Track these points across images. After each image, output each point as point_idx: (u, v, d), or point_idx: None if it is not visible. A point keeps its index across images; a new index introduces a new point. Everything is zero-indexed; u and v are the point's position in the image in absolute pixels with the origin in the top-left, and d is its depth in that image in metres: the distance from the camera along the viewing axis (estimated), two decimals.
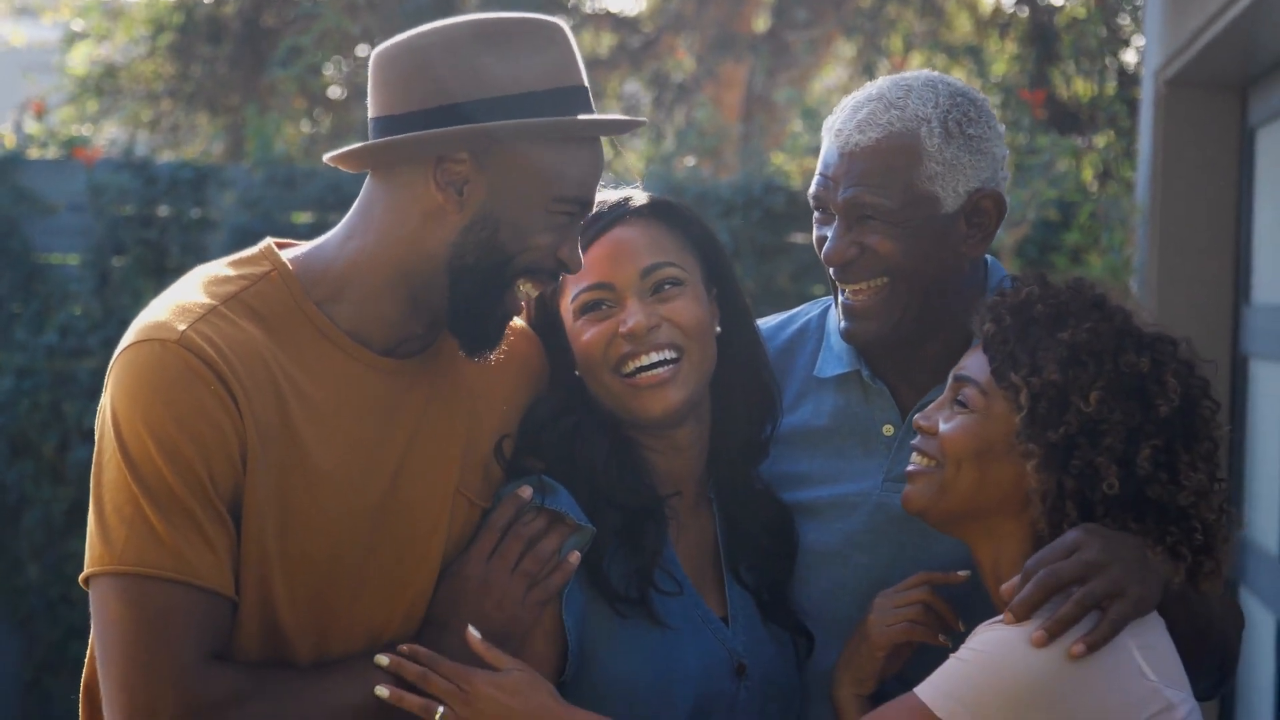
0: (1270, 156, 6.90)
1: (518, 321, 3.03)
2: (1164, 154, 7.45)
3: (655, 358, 2.94)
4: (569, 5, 14.75)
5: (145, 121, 13.73)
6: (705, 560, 3.04)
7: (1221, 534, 2.78)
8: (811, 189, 3.12)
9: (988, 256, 3.22)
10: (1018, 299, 2.82)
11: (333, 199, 8.88)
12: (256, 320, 2.74)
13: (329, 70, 12.75)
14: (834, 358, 3.21)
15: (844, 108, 3.11)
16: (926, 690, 2.62)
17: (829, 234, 3.08)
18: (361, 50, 12.97)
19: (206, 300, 2.74)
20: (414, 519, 2.83)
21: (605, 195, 3.00)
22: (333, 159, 2.83)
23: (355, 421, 2.78)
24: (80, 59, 14.03)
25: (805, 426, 3.19)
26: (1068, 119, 10.50)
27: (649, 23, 15.07)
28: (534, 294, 2.84)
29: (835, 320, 3.19)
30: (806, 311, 3.34)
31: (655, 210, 3.00)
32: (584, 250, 2.91)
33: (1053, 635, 2.59)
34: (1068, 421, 2.71)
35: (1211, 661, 2.97)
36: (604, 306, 2.95)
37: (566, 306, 2.97)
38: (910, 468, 2.86)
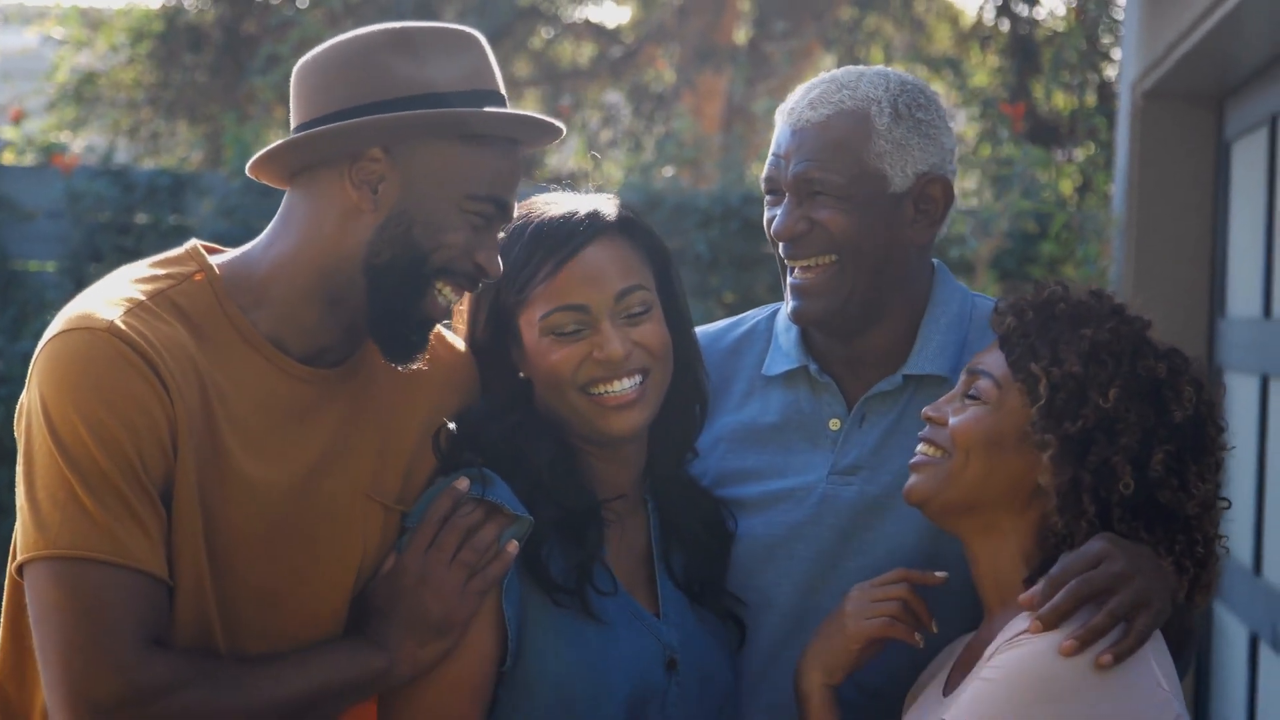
0: (1246, 169, 6.92)
1: (449, 335, 3.05)
2: (1140, 166, 7.48)
3: (626, 384, 2.96)
4: (550, 15, 14.77)
5: (125, 129, 13.72)
6: (636, 561, 3.06)
7: (1216, 550, 2.82)
8: (764, 172, 3.16)
9: (938, 261, 3.26)
10: (1040, 298, 2.86)
11: None
12: (182, 319, 2.75)
13: None
14: (782, 355, 3.23)
15: (796, 91, 3.17)
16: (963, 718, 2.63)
17: (779, 212, 3.11)
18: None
19: (134, 294, 2.75)
20: (326, 525, 2.84)
21: (573, 204, 3.00)
22: (253, 168, 2.86)
23: (271, 428, 2.79)
24: (61, 66, 14.01)
25: (753, 424, 3.22)
26: (1047, 132, 10.54)
27: (630, 33, 15.10)
28: (454, 299, 2.84)
29: (783, 321, 3.23)
30: (755, 315, 3.37)
31: (623, 227, 3.00)
32: (557, 268, 2.93)
33: (1084, 645, 2.60)
34: (1085, 415, 2.74)
35: (1182, 672, 2.99)
36: (575, 328, 2.95)
37: (531, 321, 2.97)
38: (915, 459, 2.88)
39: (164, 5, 13.91)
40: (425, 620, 2.82)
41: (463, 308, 3.04)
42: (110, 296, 2.74)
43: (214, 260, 2.85)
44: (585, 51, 15.16)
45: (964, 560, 2.93)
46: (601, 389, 2.95)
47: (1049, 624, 2.62)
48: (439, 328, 3.01)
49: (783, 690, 3.06)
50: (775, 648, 3.12)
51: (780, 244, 3.12)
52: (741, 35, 14.29)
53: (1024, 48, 11.93)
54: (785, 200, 3.10)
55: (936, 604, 2.95)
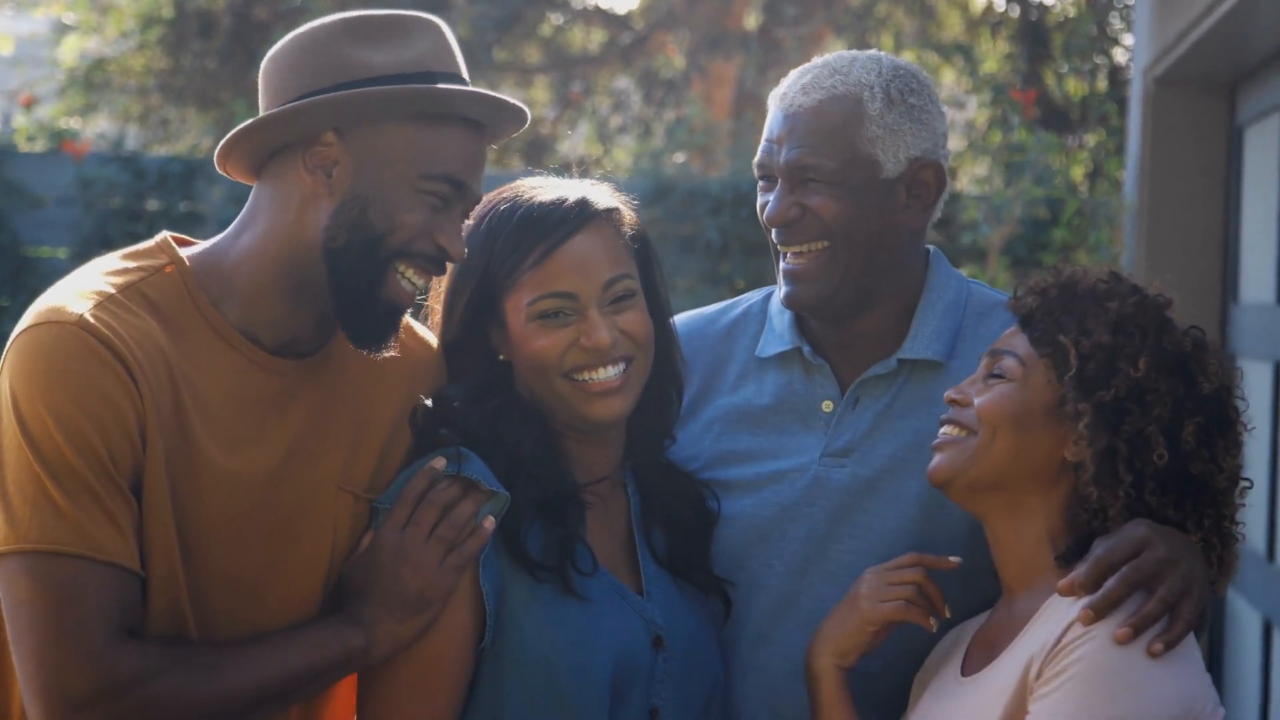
0: (1258, 155, 6.90)
1: (419, 327, 3.07)
2: (1152, 152, 7.46)
3: (611, 371, 2.97)
4: (560, 2, 14.75)
5: (135, 115, 13.72)
6: (617, 542, 3.06)
7: (1236, 531, 2.82)
8: (756, 158, 3.16)
9: (933, 247, 3.26)
10: (1061, 278, 2.88)
11: None
12: (153, 311, 2.76)
13: None
14: (775, 337, 3.24)
15: (789, 76, 3.17)
16: None
17: (771, 198, 3.11)
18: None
19: (104, 288, 2.75)
20: (297, 515, 2.86)
21: (562, 190, 3.01)
22: (219, 164, 2.88)
23: (242, 418, 2.80)
24: (70, 52, 14.01)
25: (747, 405, 3.22)
26: (1059, 118, 10.52)
27: (640, 19, 15.08)
28: (419, 283, 2.84)
29: (777, 304, 3.23)
30: (749, 298, 3.37)
31: (610, 215, 3.01)
32: (546, 254, 2.94)
33: (1137, 633, 2.62)
34: (1116, 385, 2.75)
35: None
36: (563, 315, 2.96)
37: (518, 305, 2.97)
38: (939, 439, 2.88)
39: None
40: (403, 597, 2.83)
41: (439, 293, 3.04)
42: (81, 289, 2.74)
43: (185, 252, 2.85)
44: (595, 38, 15.14)
45: (956, 544, 2.97)
46: (586, 375, 2.96)
47: (1101, 612, 2.63)
48: (408, 320, 3.02)
49: (773, 670, 3.08)
50: (766, 628, 3.12)
51: (773, 230, 3.12)
52: (751, 21, 14.27)
53: (1034, 33, 11.91)
54: (778, 186, 3.10)
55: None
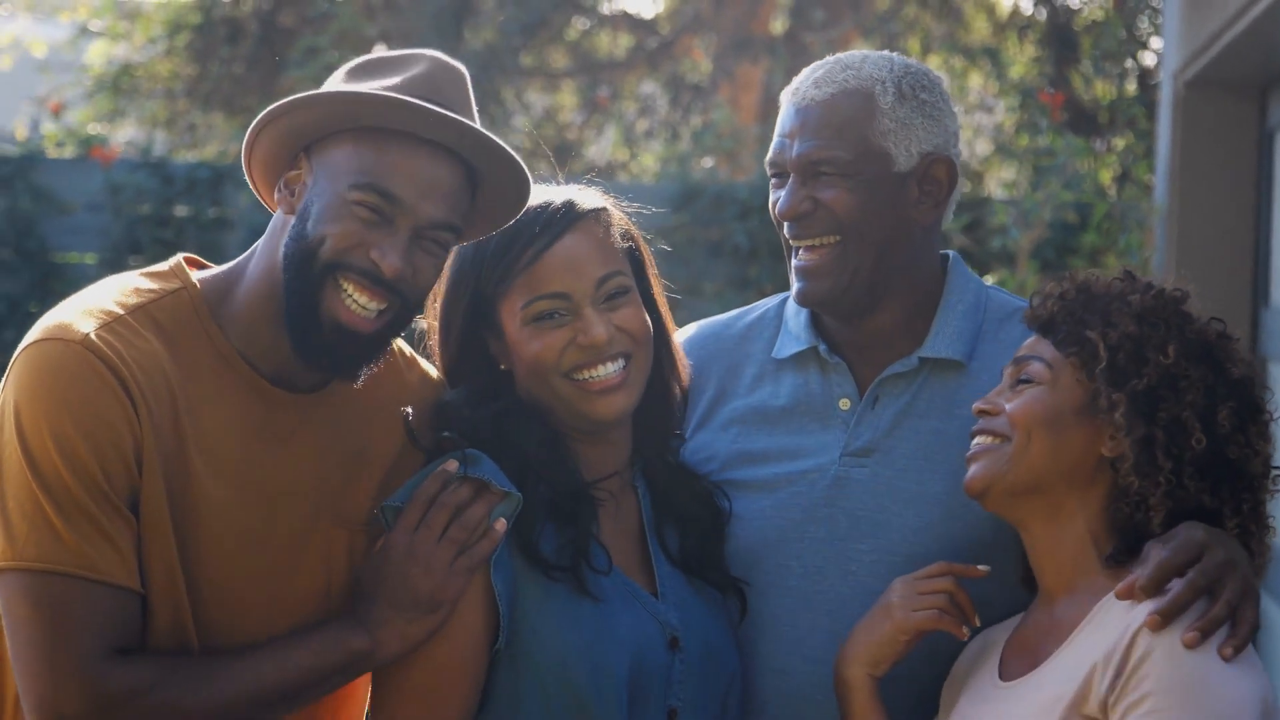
0: None
1: (426, 366, 3.09)
2: (1182, 156, 7.44)
3: (610, 368, 2.98)
4: (587, 6, 14.76)
5: (162, 121, 13.75)
6: (630, 542, 3.06)
7: (1270, 523, 2.85)
8: (769, 155, 3.17)
9: (952, 252, 3.26)
10: (1076, 281, 2.90)
11: None
12: (160, 334, 2.78)
13: None
14: (791, 338, 3.24)
15: (802, 73, 3.19)
16: None
17: (783, 193, 3.12)
18: (379, 50, 12.97)
19: (113, 308, 2.78)
20: (291, 550, 2.87)
21: (548, 194, 3.02)
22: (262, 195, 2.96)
23: (240, 448, 2.82)
24: (97, 58, 14.05)
25: (764, 406, 3.22)
26: (1086, 121, 10.50)
27: (666, 24, 15.08)
28: (361, 299, 2.82)
29: (793, 306, 3.24)
30: (765, 303, 3.38)
31: (599, 214, 3.02)
32: (535, 258, 2.95)
33: (1205, 636, 2.63)
34: (1148, 373, 2.77)
35: None
36: (558, 315, 2.97)
37: (512, 311, 2.98)
38: (973, 450, 2.88)
39: None
40: (413, 597, 2.84)
41: (435, 310, 3.05)
42: (90, 308, 2.77)
43: (198, 275, 2.88)
44: (622, 43, 15.14)
45: (978, 544, 2.99)
46: (586, 374, 2.97)
47: (1169, 617, 2.64)
48: (416, 357, 3.06)
49: (794, 672, 3.08)
50: (786, 629, 3.11)
51: (785, 225, 3.13)
52: (778, 25, 14.26)
53: (1062, 36, 11.89)
54: (790, 180, 3.11)
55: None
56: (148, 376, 2.73)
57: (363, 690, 3.01)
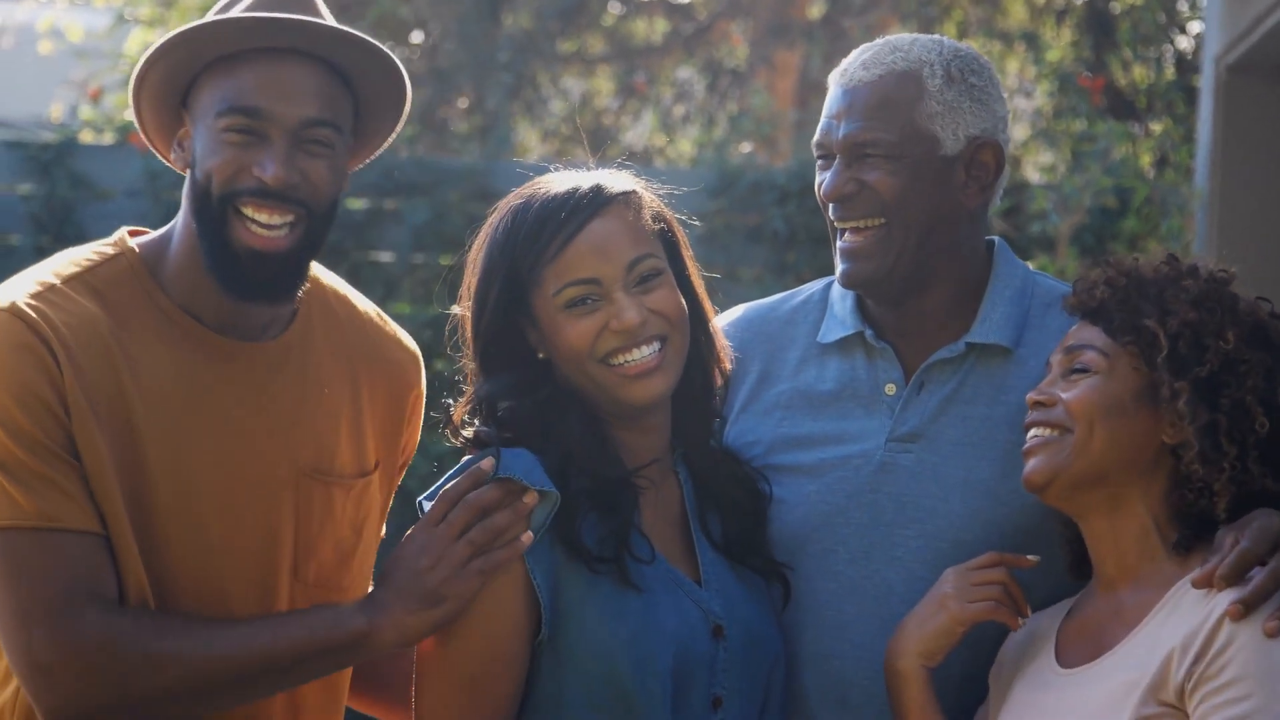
0: None
1: (401, 332, 3.18)
2: (1224, 141, 7.42)
3: (645, 351, 2.96)
4: None
5: None
6: (673, 529, 3.05)
7: None
8: (815, 137, 3.17)
9: (998, 238, 3.25)
10: (1123, 267, 2.89)
11: (387, 184, 8.89)
12: (97, 299, 2.86)
13: None
14: (837, 323, 3.23)
15: (850, 55, 3.19)
16: None
17: (828, 174, 3.11)
18: (416, 37, 12.98)
19: (48, 279, 2.88)
20: (254, 497, 2.92)
21: (577, 180, 3.01)
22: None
23: (192, 400, 2.89)
24: (135, 45, 14.07)
25: (809, 390, 3.22)
26: (1125, 106, 10.44)
27: (702, 9, 15.05)
28: (263, 218, 2.88)
29: (839, 289, 3.23)
30: (810, 286, 3.37)
31: (628, 198, 3.00)
32: (565, 244, 2.94)
33: None
34: (1209, 360, 2.78)
35: None
36: (590, 301, 2.95)
37: (545, 298, 2.97)
38: (1031, 443, 2.87)
39: None
40: (419, 590, 2.84)
41: (467, 297, 3.03)
42: (25, 280, 2.88)
43: (137, 241, 2.96)
44: (658, 28, 15.12)
45: (1023, 531, 2.99)
46: (621, 359, 2.95)
47: (1251, 606, 2.65)
48: (385, 316, 3.15)
49: (841, 658, 3.08)
50: (832, 615, 3.11)
51: (830, 206, 3.12)
52: (815, 10, 14.23)
53: (1100, 21, 11.83)
54: (835, 162, 3.10)
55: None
56: (76, 334, 2.81)
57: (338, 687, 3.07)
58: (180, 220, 2.94)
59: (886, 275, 3.10)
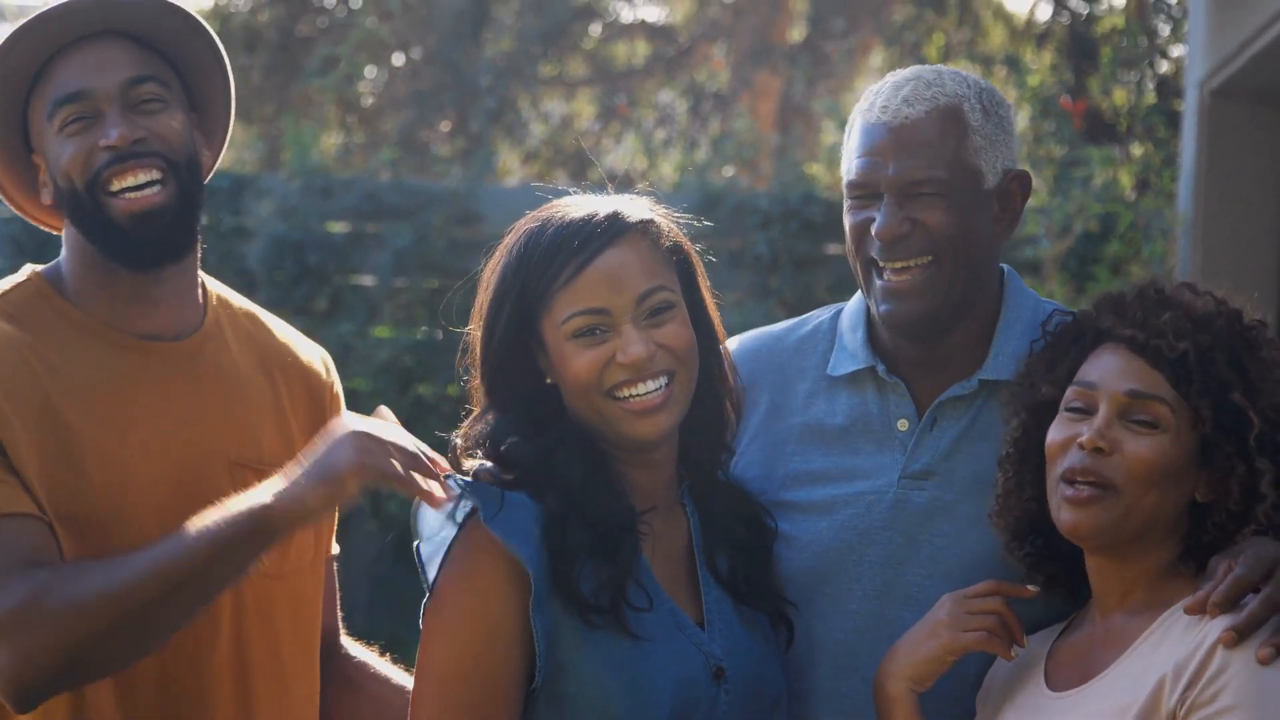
0: None
1: (306, 341, 3.28)
2: (1207, 165, 7.43)
3: (651, 385, 2.91)
4: (605, 15, 14.77)
5: None
6: (678, 565, 3.01)
7: None
8: (853, 175, 3.10)
9: (1006, 266, 3.22)
10: (1194, 314, 2.82)
11: (369, 208, 8.87)
12: (9, 320, 2.99)
13: (369, 76, 12.77)
14: (847, 356, 3.18)
15: (880, 92, 3.12)
16: None
17: (876, 214, 3.05)
18: (397, 59, 12.97)
19: None
20: (188, 489, 2.98)
21: (594, 206, 2.96)
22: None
23: (118, 399, 2.99)
24: None
25: (819, 424, 3.17)
26: (1105, 129, 10.47)
27: (684, 32, 15.08)
28: (129, 181, 2.99)
29: (848, 321, 3.19)
30: (818, 315, 3.32)
31: (644, 228, 2.96)
32: (577, 272, 2.89)
33: (1278, 651, 2.63)
34: (1260, 423, 2.76)
35: None
36: (598, 332, 2.91)
37: (554, 324, 2.92)
38: (1075, 494, 2.81)
39: (217, 5, 13.95)
40: (321, 470, 2.82)
41: (478, 317, 3.02)
42: None
43: (40, 269, 3.09)
44: (640, 50, 15.15)
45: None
46: (626, 392, 2.90)
47: (1245, 633, 2.63)
48: (297, 334, 3.28)
49: (854, 697, 3.04)
50: (845, 655, 3.07)
51: (876, 245, 3.06)
52: (797, 34, 14.25)
53: (1081, 45, 11.87)
54: (885, 201, 3.04)
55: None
56: None
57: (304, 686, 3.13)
58: (65, 239, 3.08)
59: (934, 313, 3.05)
